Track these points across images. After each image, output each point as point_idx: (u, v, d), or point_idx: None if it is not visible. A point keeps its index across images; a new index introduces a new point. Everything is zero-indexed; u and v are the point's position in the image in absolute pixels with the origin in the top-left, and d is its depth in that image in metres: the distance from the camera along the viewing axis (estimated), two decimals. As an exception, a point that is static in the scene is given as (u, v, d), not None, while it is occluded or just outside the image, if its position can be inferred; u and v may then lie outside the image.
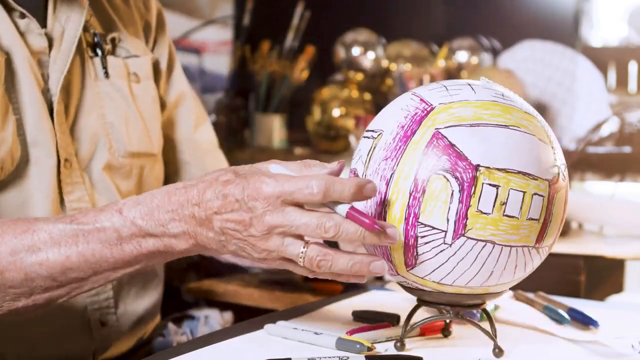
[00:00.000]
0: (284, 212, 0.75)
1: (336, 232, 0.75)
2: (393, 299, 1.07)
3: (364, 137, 0.83)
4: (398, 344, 0.83)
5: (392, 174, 0.77)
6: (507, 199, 0.76)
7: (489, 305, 0.97)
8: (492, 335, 0.82)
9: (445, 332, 0.89)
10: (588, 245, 1.65)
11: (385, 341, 0.86)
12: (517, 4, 2.27)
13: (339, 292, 1.46)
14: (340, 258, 0.76)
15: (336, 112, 2.11)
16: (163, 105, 1.17)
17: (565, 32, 2.18)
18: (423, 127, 0.78)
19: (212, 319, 1.25)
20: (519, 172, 0.76)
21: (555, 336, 0.91)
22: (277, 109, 2.26)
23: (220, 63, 2.51)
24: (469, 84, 0.81)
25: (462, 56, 2.11)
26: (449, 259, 0.77)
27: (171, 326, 1.19)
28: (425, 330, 0.89)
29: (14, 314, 0.86)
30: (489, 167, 0.75)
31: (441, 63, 2.12)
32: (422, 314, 0.87)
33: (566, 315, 0.97)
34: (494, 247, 0.77)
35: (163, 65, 1.17)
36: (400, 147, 0.78)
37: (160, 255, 0.83)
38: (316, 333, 0.85)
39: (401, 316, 0.92)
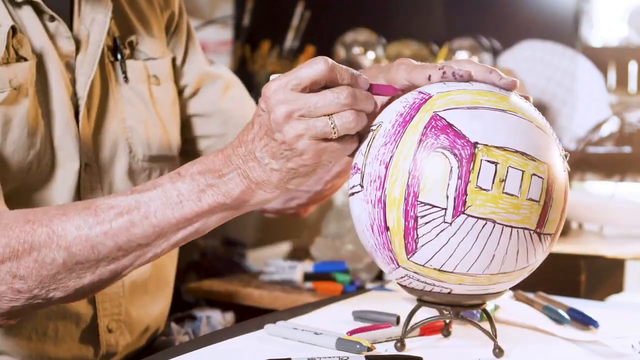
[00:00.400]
0: (295, 97, 0.78)
1: (350, 92, 0.79)
2: (393, 299, 1.07)
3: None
4: (398, 344, 0.83)
5: (391, 157, 0.78)
6: (506, 176, 0.76)
7: (489, 305, 0.97)
8: (492, 335, 0.82)
9: (445, 332, 0.89)
10: (588, 245, 1.66)
11: (385, 341, 0.86)
12: (517, 4, 2.27)
13: (339, 292, 1.47)
14: (363, 100, 0.80)
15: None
16: (180, 92, 1.16)
17: (565, 32, 2.18)
18: (421, 112, 0.79)
19: (214, 319, 1.25)
20: (517, 152, 0.77)
21: (555, 336, 0.92)
22: (277, 109, 2.26)
23: (220, 63, 2.51)
24: (468, 81, 0.83)
25: (462, 56, 2.11)
26: (449, 239, 0.77)
27: (174, 326, 1.19)
28: (425, 330, 0.89)
29: (77, 296, 0.87)
30: (487, 145, 0.76)
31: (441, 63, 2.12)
32: (422, 314, 0.87)
33: (566, 315, 0.97)
34: (494, 226, 0.76)
35: (179, 61, 1.17)
36: (399, 131, 0.79)
37: (220, 209, 0.84)
38: (316, 333, 0.85)
39: (401, 316, 0.92)
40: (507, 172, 0.76)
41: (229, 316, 1.31)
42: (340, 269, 1.55)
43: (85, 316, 1.02)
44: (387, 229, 0.78)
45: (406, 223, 0.77)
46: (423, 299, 0.83)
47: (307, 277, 1.56)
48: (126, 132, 1.04)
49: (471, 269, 0.78)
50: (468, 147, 0.76)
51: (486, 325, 0.83)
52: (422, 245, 0.77)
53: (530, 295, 1.07)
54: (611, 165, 1.89)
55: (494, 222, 0.76)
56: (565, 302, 1.02)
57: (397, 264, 0.80)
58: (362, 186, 0.80)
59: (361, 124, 0.80)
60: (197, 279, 1.87)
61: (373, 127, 0.82)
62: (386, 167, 0.78)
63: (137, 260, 0.86)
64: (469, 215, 0.76)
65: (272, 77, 0.82)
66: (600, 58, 2.16)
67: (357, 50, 2.13)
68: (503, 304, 1.04)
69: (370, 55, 2.13)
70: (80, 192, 0.99)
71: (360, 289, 1.17)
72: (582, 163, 1.88)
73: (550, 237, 0.80)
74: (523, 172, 0.77)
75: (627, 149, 1.88)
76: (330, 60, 0.79)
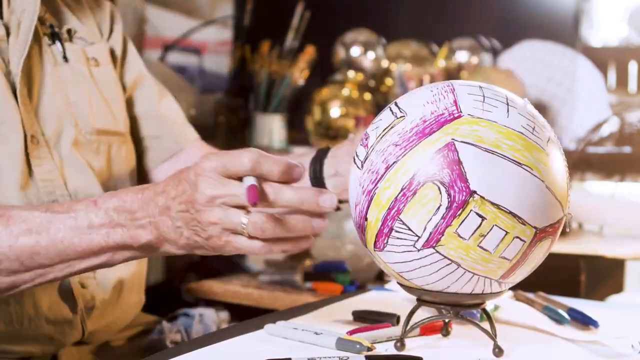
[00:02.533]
0: (223, 183, 0.80)
1: (275, 196, 0.79)
2: (393, 299, 1.07)
3: (391, 109, 0.82)
4: (398, 344, 0.83)
5: (395, 162, 0.77)
6: (487, 233, 0.76)
7: (489, 305, 0.97)
8: (492, 335, 0.82)
9: (444, 331, 0.89)
10: (588, 245, 1.66)
11: (385, 341, 0.86)
12: (517, 4, 2.27)
13: (339, 292, 1.47)
14: (287, 193, 0.80)
15: (336, 112, 2.11)
16: (123, 89, 1.22)
17: (565, 32, 2.18)
18: (442, 132, 0.77)
19: (207, 317, 1.25)
20: (511, 213, 0.76)
21: (555, 336, 0.92)
22: (277, 109, 2.26)
23: (220, 63, 2.51)
24: (508, 103, 0.79)
25: (462, 56, 2.11)
26: (413, 260, 0.79)
27: (165, 324, 1.19)
28: (425, 330, 0.89)
29: None
30: (483, 198, 0.75)
31: (441, 63, 2.12)
32: (422, 313, 0.87)
33: (566, 315, 0.97)
34: (457, 268, 0.78)
35: (118, 53, 1.22)
36: (413, 140, 0.77)
37: (125, 250, 0.88)
38: (316, 333, 0.85)
39: (401, 316, 0.92)
40: (491, 229, 0.76)
41: (224, 315, 1.31)
42: (340, 269, 1.55)
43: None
44: (366, 219, 0.80)
45: (381, 227, 0.79)
46: (422, 299, 0.83)
47: (307, 277, 1.56)
48: (70, 107, 1.09)
49: (426, 286, 0.81)
50: (464, 194, 0.75)
51: (486, 325, 0.83)
52: (389, 251, 0.80)
53: (530, 295, 1.07)
54: (611, 165, 1.89)
55: (459, 265, 0.78)
56: (565, 302, 1.02)
57: (365, 245, 0.83)
58: (361, 166, 0.81)
59: (272, 233, 0.80)
60: (197, 279, 1.87)
61: (398, 113, 0.80)
62: (386, 169, 0.78)
63: (38, 279, 0.90)
64: (437, 252, 0.77)
65: (208, 156, 0.83)
66: (600, 58, 2.16)
67: (357, 50, 2.13)
68: (503, 304, 1.04)
69: (370, 55, 2.13)
70: (31, 162, 1.02)
71: (360, 289, 1.17)
72: (582, 163, 1.88)
73: (511, 283, 0.82)
74: (507, 233, 0.76)
75: (627, 149, 1.88)
76: (260, 158, 0.80)
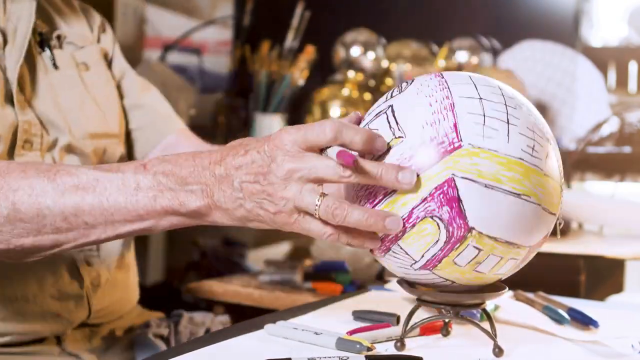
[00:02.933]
0: (303, 157, 0.77)
1: (353, 172, 0.76)
2: (393, 299, 1.07)
3: (388, 119, 0.79)
4: (398, 344, 0.83)
5: (394, 191, 0.77)
6: (483, 260, 0.78)
7: (489, 305, 0.97)
8: (492, 335, 0.82)
9: (444, 331, 0.89)
10: (588, 245, 1.65)
11: (385, 341, 0.86)
12: (517, 4, 2.27)
13: (339, 292, 1.47)
14: (355, 210, 0.77)
15: (336, 112, 2.11)
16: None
17: (565, 32, 2.18)
18: (442, 165, 0.75)
19: (197, 318, 1.25)
20: (507, 242, 0.77)
21: (555, 336, 0.91)
22: (277, 109, 2.26)
23: (220, 63, 2.51)
24: (509, 121, 0.77)
25: (462, 56, 2.11)
26: (409, 274, 0.81)
27: (153, 320, 1.21)
28: (425, 330, 0.89)
29: (18, 253, 0.88)
30: (481, 233, 0.76)
31: (441, 63, 2.12)
32: (422, 313, 0.87)
33: (566, 315, 0.97)
34: (452, 283, 0.81)
35: (109, 54, 1.25)
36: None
37: (171, 215, 0.84)
38: (316, 333, 0.85)
39: (401, 316, 0.92)
40: (487, 257, 0.77)
41: (224, 318, 1.31)
42: (340, 269, 1.55)
43: (62, 256, 1.06)
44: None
45: (380, 246, 0.80)
46: (423, 299, 0.84)
47: (307, 277, 1.56)
48: (63, 113, 1.09)
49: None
50: (463, 230, 0.76)
51: (486, 325, 0.83)
52: (386, 262, 0.82)
53: (530, 295, 1.07)
54: (611, 165, 1.89)
55: (453, 282, 0.80)
56: (565, 302, 1.02)
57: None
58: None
59: (342, 220, 0.77)
60: (197, 279, 1.87)
61: (396, 132, 0.78)
62: (384, 195, 0.78)
63: (80, 239, 0.87)
64: (433, 273, 0.79)
65: (286, 129, 0.80)
66: (600, 58, 2.16)
67: (357, 50, 2.13)
68: (503, 304, 1.04)
69: (370, 55, 2.13)
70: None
71: (360, 289, 1.17)
72: (582, 163, 1.88)
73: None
74: (502, 258, 0.78)
75: (627, 149, 1.88)
76: (341, 126, 0.77)
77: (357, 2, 2.44)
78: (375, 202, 0.78)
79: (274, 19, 2.41)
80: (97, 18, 1.26)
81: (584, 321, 0.96)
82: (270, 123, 2.25)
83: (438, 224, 0.76)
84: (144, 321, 1.21)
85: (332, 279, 1.53)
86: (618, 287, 1.80)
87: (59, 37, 1.15)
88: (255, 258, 2.23)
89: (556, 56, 2.06)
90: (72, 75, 1.14)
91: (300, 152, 0.78)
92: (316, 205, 0.77)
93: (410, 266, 0.79)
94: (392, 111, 0.79)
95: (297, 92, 2.27)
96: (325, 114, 2.13)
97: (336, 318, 0.97)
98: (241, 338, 0.87)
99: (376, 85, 2.16)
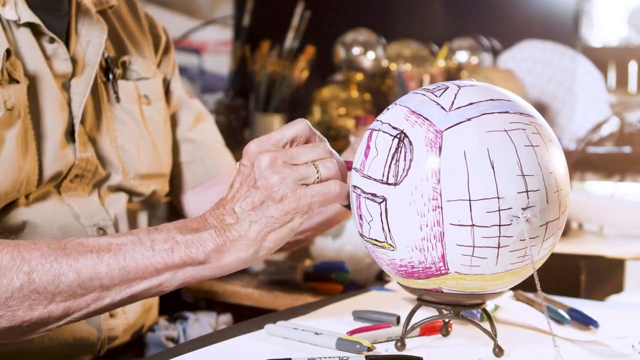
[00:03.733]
0: (277, 149, 0.84)
1: (327, 145, 0.86)
2: (393, 299, 1.07)
3: (371, 199, 0.79)
4: (398, 344, 0.83)
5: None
6: None
7: (489, 305, 0.97)
8: (492, 335, 0.82)
9: (444, 331, 0.89)
10: (588, 245, 1.65)
11: (385, 341, 0.86)
12: (517, 4, 2.27)
13: (339, 292, 1.47)
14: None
15: (336, 112, 2.11)
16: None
17: (565, 32, 2.18)
18: (429, 280, 0.79)
19: (203, 319, 1.25)
20: None
21: (555, 336, 0.91)
22: (277, 109, 2.26)
23: (220, 63, 2.51)
24: (499, 245, 0.75)
25: (462, 56, 2.11)
26: None
27: (162, 322, 1.20)
28: (425, 330, 0.89)
29: (21, 330, 0.84)
30: None
31: (441, 63, 2.12)
32: (422, 313, 0.87)
33: (566, 315, 0.97)
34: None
35: (167, 78, 1.21)
36: (402, 274, 0.80)
37: (189, 266, 0.85)
38: (316, 333, 0.85)
39: (401, 316, 0.92)
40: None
41: (225, 317, 1.31)
42: (340, 269, 1.55)
43: None
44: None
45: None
46: (423, 299, 0.83)
47: (307, 277, 1.56)
48: (118, 151, 1.06)
49: None
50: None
51: (486, 325, 0.83)
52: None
53: (530, 295, 1.07)
54: (611, 165, 1.89)
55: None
56: (565, 302, 1.02)
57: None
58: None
59: (336, 171, 0.84)
60: (197, 279, 1.86)
61: (386, 240, 0.79)
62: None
63: (93, 304, 0.85)
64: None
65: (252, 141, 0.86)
66: (600, 58, 2.16)
67: (357, 50, 2.13)
68: (503, 304, 1.04)
69: (370, 55, 2.13)
70: (62, 194, 1.00)
71: (360, 289, 1.17)
72: (582, 163, 1.88)
73: None
74: None
75: (627, 149, 1.88)
76: (308, 122, 0.86)
77: (357, 2, 2.44)
78: None
79: (274, 19, 2.41)
80: (162, 38, 1.20)
81: (584, 321, 0.96)
82: (270, 123, 2.25)
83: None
84: (150, 324, 1.19)
85: (332, 279, 1.53)
86: (618, 287, 1.80)
87: (124, 64, 1.10)
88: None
89: (556, 56, 2.06)
90: (132, 109, 1.10)
91: (272, 147, 0.84)
92: (315, 171, 0.83)
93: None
94: (386, 209, 0.77)
95: (297, 92, 2.27)
96: (325, 114, 2.13)
97: (336, 318, 0.97)
98: (241, 338, 0.87)
99: (376, 85, 2.17)
